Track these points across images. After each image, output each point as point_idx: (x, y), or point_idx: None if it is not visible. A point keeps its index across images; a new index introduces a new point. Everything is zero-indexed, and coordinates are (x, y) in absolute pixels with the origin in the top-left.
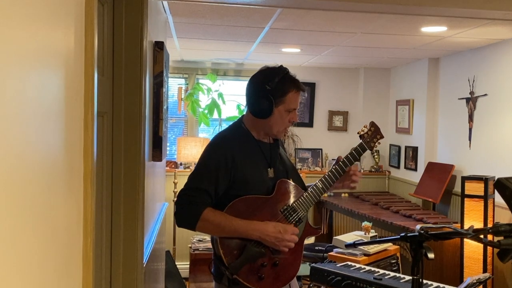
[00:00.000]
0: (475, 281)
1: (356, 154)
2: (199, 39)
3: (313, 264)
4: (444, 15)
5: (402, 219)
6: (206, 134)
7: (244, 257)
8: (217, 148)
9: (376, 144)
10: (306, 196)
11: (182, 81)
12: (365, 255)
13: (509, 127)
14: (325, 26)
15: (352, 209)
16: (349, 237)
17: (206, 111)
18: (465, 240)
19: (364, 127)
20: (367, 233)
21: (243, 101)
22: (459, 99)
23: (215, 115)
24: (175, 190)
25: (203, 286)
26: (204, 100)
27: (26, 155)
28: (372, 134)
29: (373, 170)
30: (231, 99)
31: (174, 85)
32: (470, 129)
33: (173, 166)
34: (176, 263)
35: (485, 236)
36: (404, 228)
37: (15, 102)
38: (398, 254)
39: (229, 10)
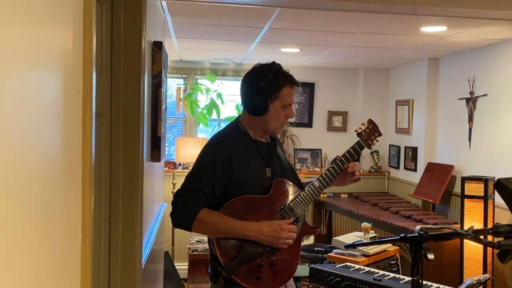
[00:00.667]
0: (475, 282)
1: (353, 152)
2: (198, 39)
3: (312, 265)
4: (444, 15)
5: (401, 219)
6: (205, 134)
7: (241, 258)
8: (214, 148)
9: (374, 142)
10: (303, 195)
11: (181, 81)
12: (364, 256)
13: (509, 127)
14: (324, 26)
15: (352, 210)
16: (348, 238)
17: (205, 111)
18: (465, 241)
19: (362, 124)
20: (366, 234)
21: None
22: (459, 99)
23: (214, 115)
24: (174, 190)
25: (201, 287)
26: (203, 100)
27: (23, 155)
28: (370, 132)
29: (372, 170)
30: (230, 99)
31: (172, 85)
32: (470, 129)
33: (171, 166)
34: (175, 264)
35: (485, 237)
36: (403, 228)
37: (13, 102)
38: (398, 255)
39: (228, 10)
